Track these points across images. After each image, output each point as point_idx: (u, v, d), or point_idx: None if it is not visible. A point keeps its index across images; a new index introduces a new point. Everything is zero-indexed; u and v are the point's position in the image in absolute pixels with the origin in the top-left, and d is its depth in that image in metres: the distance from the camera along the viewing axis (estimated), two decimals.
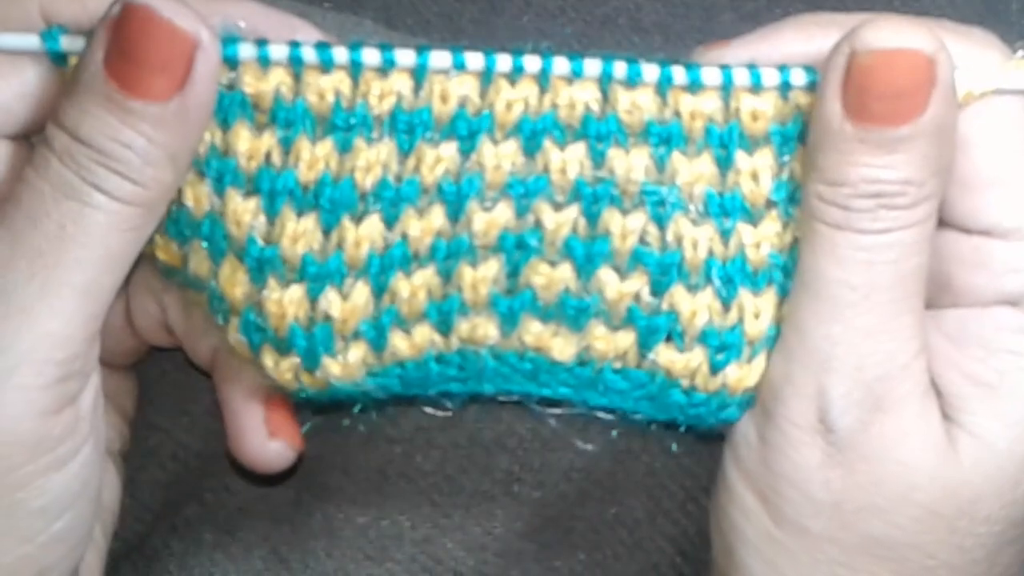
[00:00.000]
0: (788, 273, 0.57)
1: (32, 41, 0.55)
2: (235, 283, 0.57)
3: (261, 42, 0.56)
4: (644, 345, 0.57)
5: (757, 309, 0.58)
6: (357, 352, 0.57)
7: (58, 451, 0.54)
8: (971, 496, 0.56)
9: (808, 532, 0.56)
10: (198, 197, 0.56)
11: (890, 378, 0.56)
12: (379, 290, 0.57)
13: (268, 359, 0.57)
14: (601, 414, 0.61)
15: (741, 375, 0.58)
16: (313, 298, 0.56)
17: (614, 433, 0.63)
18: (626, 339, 0.57)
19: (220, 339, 0.59)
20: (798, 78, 0.57)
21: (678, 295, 0.57)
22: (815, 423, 0.56)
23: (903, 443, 0.56)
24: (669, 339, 0.57)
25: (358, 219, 0.57)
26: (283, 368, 0.57)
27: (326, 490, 0.65)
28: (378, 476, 0.65)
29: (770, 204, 0.58)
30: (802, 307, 0.56)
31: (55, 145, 0.53)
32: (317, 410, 0.62)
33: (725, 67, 0.57)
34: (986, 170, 0.57)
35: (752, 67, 0.57)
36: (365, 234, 0.56)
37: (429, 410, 0.62)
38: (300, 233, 0.56)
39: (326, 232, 0.57)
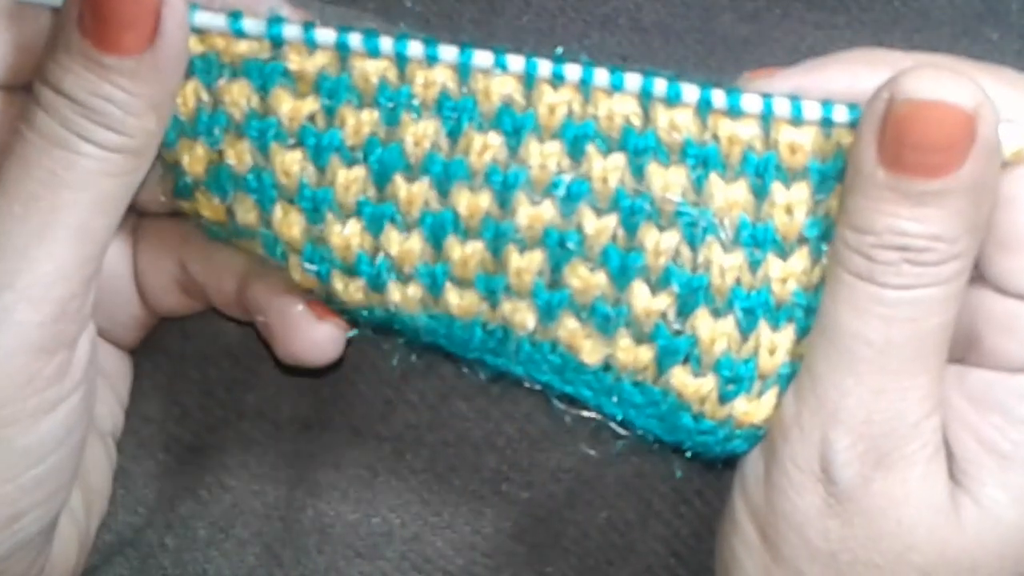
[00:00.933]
0: (810, 313, 0.56)
1: None
2: (290, 224, 0.58)
3: (308, 24, 0.57)
4: (662, 364, 0.57)
5: (773, 345, 0.57)
6: (417, 291, 0.58)
7: (48, 393, 0.55)
8: (970, 565, 0.55)
9: None
10: (239, 154, 0.57)
11: (897, 436, 0.54)
12: (434, 243, 0.57)
13: (338, 283, 0.58)
14: (613, 425, 0.61)
15: (748, 409, 0.57)
16: (375, 234, 0.57)
17: (619, 444, 0.62)
18: (647, 354, 0.57)
19: (256, 265, 0.60)
20: (840, 115, 0.55)
21: (701, 319, 0.57)
22: (817, 471, 0.55)
23: (904, 503, 0.55)
24: (686, 362, 0.57)
25: (410, 180, 0.57)
26: (352, 289, 0.58)
27: (317, 486, 0.65)
28: (368, 473, 0.65)
29: (802, 240, 0.57)
30: (817, 351, 0.55)
31: (41, 100, 0.55)
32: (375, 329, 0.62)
33: (766, 95, 0.56)
34: None
35: (794, 98, 0.56)
36: (417, 192, 0.57)
37: (466, 370, 0.62)
38: (352, 180, 0.57)
39: (379, 187, 0.57)
